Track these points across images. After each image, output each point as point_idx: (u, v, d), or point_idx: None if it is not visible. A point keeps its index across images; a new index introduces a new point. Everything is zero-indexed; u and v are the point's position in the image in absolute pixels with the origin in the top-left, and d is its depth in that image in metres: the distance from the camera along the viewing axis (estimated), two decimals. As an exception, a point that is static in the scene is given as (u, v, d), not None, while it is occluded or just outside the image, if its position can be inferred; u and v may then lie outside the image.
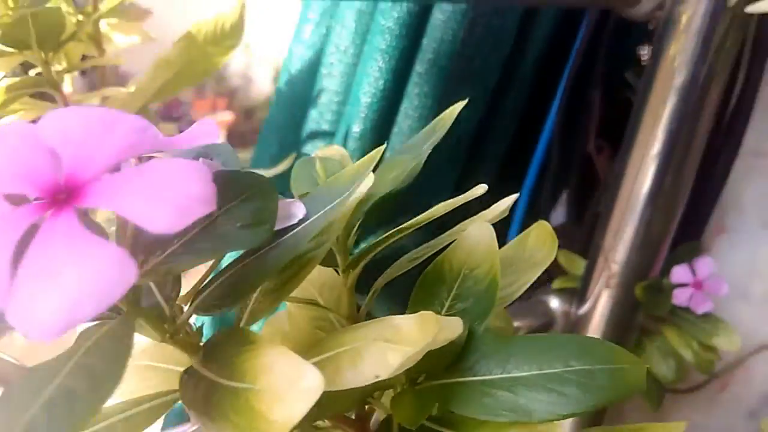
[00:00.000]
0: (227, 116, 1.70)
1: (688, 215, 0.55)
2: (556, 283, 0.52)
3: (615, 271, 0.48)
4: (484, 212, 0.24)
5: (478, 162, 0.56)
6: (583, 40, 0.52)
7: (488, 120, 0.55)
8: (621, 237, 0.48)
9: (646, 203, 0.48)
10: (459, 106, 0.26)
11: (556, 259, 0.56)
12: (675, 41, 0.46)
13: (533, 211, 0.58)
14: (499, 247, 0.22)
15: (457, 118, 0.52)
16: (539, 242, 0.26)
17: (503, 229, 0.59)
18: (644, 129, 0.48)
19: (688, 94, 0.47)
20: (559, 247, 0.25)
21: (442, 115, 0.26)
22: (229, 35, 0.35)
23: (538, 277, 0.25)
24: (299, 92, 0.53)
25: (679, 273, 0.49)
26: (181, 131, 0.17)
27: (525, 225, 0.58)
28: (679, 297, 0.48)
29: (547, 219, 0.58)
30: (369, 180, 0.19)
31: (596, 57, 0.54)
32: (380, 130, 0.51)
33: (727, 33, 0.46)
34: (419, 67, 0.50)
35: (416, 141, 0.26)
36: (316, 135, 0.52)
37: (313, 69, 0.52)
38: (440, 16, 0.49)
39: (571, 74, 0.53)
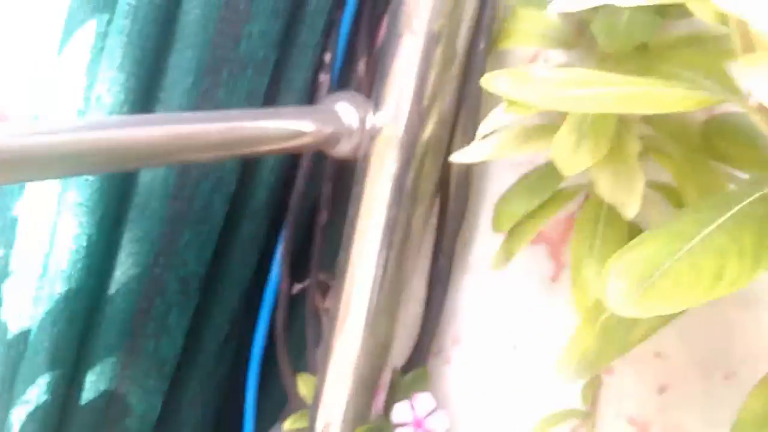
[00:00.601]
0: None
1: (420, 338, 0.57)
2: (288, 423, 0.52)
3: (330, 420, 0.48)
4: None
5: (215, 302, 0.54)
6: (302, 175, 0.53)
7: (221, 256, 0.53)
8: (331, 382, 0.48)
9: (358, 355, 0.49)
10: None
11: (297, 388, 0.56)
12: (373, 179, 0.47)
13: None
14: None
15: (179, 260, 0.51)
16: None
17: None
18: (351, 264, 0.49)
19: (391, 228, 0.48)
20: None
21: None
22: None
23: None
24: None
25: (400, 412, 0.49)
26: None
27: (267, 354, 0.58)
28: (399, 438, 0.49)
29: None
30: None
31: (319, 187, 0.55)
32: (91, 286, 0.48)
33: (423, 167, 0.47)
34: (131, 214, 0.48)
35: None
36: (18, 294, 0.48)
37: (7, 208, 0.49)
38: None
39: (293, 207, 0.53)
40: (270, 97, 0.49)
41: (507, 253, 0.42)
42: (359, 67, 0.51)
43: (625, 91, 0.23)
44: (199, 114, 0.41)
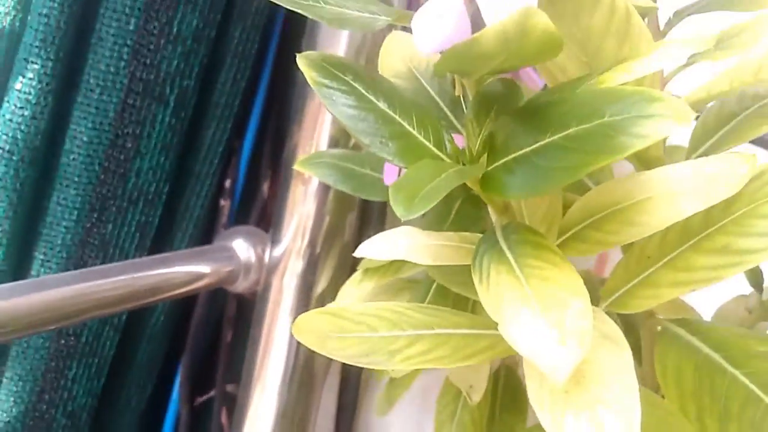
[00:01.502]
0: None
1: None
2: None
3: None
4: None
5: (111, 426, 0.52)
6: (201, 301, 0.51)
7: (115, 382, 0.51)
8: None
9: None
10: None
11: None
12: (273, 312, 0.46)
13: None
14: None
15: (66, 394, 0.48)
16: None
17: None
18: (252, 395, 0.47)
19: (293, 361, 0.47)
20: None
21: None
22: None
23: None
24: None
25: None
26: None
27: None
28: None
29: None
30: None
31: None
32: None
33: (324, 300, 0.46)
34: (12, 352, 0.45)
35: None
36: None
37: None
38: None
39: (193, 334, 0.51)
40: (165, 227, 0.47)
41: (388, 400, 0.41)
42: (263, 190, 0.50)
43: (430, 340, 0.22)
44: (88, 271, 0.38)
